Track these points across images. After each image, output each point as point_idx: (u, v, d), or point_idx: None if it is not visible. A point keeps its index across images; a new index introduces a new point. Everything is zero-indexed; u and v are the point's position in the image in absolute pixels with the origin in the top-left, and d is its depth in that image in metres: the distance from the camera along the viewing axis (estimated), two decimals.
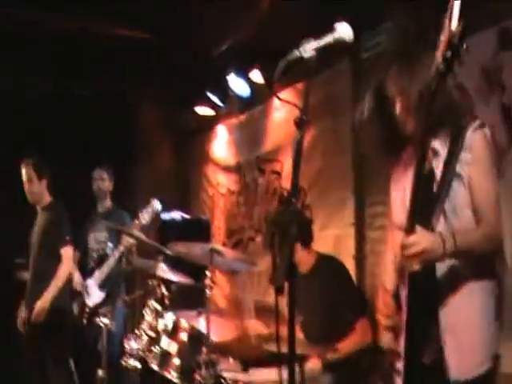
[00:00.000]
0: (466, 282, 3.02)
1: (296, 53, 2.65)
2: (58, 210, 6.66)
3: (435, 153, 3.09)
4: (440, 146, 3.08)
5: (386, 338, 3.14)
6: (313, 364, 4.67)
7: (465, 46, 2.51)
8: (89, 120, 8.91)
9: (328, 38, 2.72)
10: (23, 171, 6.60)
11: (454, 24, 2.50)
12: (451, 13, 2.53)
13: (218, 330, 5.19)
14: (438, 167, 3.04)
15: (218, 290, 8.15)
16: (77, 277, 6.80)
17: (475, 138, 3.01)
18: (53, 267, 6.44)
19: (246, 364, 5.16)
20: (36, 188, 6.64)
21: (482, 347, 3.03)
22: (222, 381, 4.74)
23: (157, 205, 6.26)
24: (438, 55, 2.59)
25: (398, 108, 3.10)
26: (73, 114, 8.79)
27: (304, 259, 5.03)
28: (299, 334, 4.85)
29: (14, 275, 7.83)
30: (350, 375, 4.69)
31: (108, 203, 7.33)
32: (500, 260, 3.14)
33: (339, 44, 2.78)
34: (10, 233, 8.04)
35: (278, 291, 2.36)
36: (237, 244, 8.36)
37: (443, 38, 2.56)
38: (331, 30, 2.75)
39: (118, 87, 9.23)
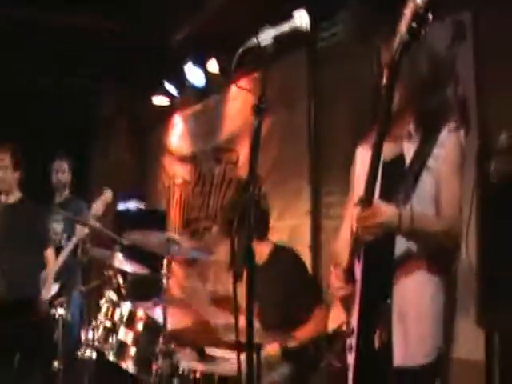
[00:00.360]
0: (420, 271, 3.06)
1: (253, 40, 2.64)
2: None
3: (409, 135, 3.12)
4: (414, 131, 3.10)
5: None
6: (271, 351, 4.68)
7: (430, 16, 2.52)
8: (45, 110, 8.82)
9: (285, 27, 2.72)
10: None
11: None
12: None
13: (175, 320, 5.17)
14: (409, 152, 3.05)
15: (175, 279, 8.13)
16: None
17: (450, 139, 3.06)
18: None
19: (203, 353, 5.16)
20: (9, 177, 6.43)
21: (428, 339, 3.07)
22: (180, 370, 4.72)
23: (109, 194, 6.16)
24: (402, 26, 2.59)
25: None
26: (29, 103, 8.69)
27: (260, 250, 5.02)
28: (256, 323, 4.86)
29: None
30: (308, 362, 4.71)
31: (66, 193, 7.28)
32: (456, 261, 3.18)
33: (296, 32, 2.79)
34: None
35: (237, 278, 2.36)
36: (193, 234, 8.35)
37: (407, 10, 2.56)
38: (289, 18, 2.76)
39: (73, 77, 9.14)
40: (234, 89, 7.49)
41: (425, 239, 3.01)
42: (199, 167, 8.39)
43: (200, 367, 4.77)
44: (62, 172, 7.22)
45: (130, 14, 7.44)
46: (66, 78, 8.99)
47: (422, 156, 2.92)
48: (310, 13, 2.82)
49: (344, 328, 3.15)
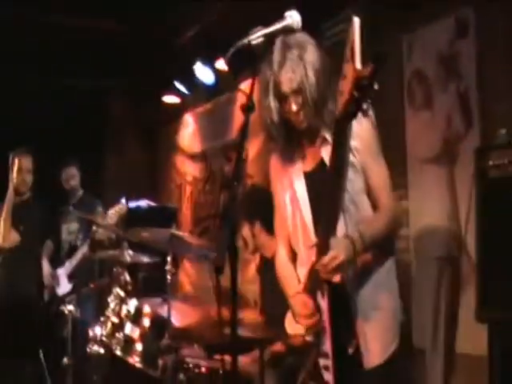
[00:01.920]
0: (369, 266, 3.13)
1: (244, 40, 2.69)
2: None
3: (324, 140, 3.13)
4: (327, 133, 3.09)
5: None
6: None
7: (376, 85, 2.26)
8: (57, 110, 8.90)
9: (276, 26, 2.77)
10: (20, 160, 6.62)
11: (358, 60, 2.25)
12: (353, 47, 2.28)
13: (183, 316, 5.23)
14: (328, 154, 3.00)
15: (186, 277, 8.19)
16: (46, 269, 6.88)
17: (362, 127, 3.03)
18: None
19: (211, 350, 5.20)
20: (30, 180, 6.73)
21: (391, 328, 3.18)
22: (185, 366, 4.77)
23: (123, 207, 6.23)
24: (340, 101, 2.41)
25: (291, 104, 3.08)
26: (41, 104, 8.77)
27: (268, 244, 5.04)
28: (260, 318, 4.90)
29: None
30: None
31: (79, 193, 7.37)
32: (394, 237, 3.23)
33: (287, 31, 2.84)
34: None
35: (217, 271, 2.40)
36: (204, 232, 8.39)
37: (346, 79, 2.32)
38: (280, 18, 2.81)
39: (84, 78, 9.21)
40: (243, 87, 7.52)
41: (375, 244, 3.05)
42: (210, 165, 8.43)
43: (206, 363, 4.82)
44: (72, 179, 7.33)
45: (141, 14, 7.48)
46: (77, 78, 9.05)
47: (340, 153, 2.77)
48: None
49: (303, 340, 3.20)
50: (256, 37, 2.70)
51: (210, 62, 7.70)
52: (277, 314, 4.87)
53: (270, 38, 2.77)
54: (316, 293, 3.06)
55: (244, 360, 4.72)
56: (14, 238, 6.44)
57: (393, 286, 3.26)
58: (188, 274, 8.25)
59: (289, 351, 4.57)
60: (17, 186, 6.60)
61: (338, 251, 2.84)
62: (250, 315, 5.61)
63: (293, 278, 3.37)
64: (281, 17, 2.84)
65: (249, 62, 2.79)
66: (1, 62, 7.89)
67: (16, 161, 6.62)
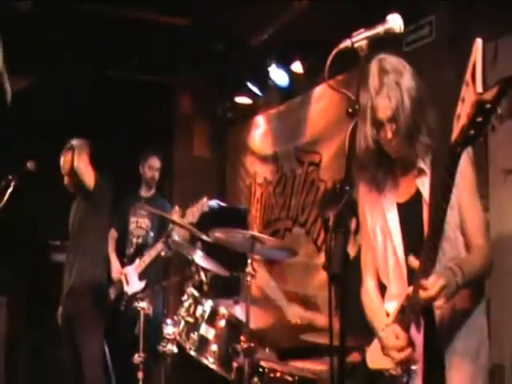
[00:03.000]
0: (464, 308, 3.07)
1: (347, 41, 2.65)
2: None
3: (421, 171, 3.08)
4: (425, 164, 3.05)
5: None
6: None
7: (499, 110, 2.16)
8: (129, 106, 8.97)
9: (379, 29, 2.73)
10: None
11: (480, 83, 2.15)
12: (474, 69, 2.17)
13: (256, 319, 5.20)
14: (425, 187, 2.98)
15: (255, 279, 8.15)
16: (115, 265, 6.91)
17: (463, 162, 2.81)
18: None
19: (283, 353, 5.18)
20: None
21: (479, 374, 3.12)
22: (260, 369, 4.75)
23: (205, 202, 6.18)
24: (457, 125, 2.30)
25: (387, 132, 3.03)
26: (111, 100, 8.85)
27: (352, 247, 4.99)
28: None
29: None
30: None
31: (153, 190, 7.42)
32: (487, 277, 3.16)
33: (389, 35, 2.79)
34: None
35: (333, 279, 2.36)
36: (273, 234, 8.34)
37: (465, 103, 2.21)
38: (382, 21, 2.76)
39: (157, 75, 9.29)
40: (318, 90, 7.49)
41: (473, 281, 2.97)
42: (281, 167, 8.40)
43: (280, 367, 4.79)
44: (155, 169, 7.39)
45: (217, 13, 7.49)
46: (148, 74, 9.13)
47: (440, 186, 2.66)
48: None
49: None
50: (359, 39, 2.66)
51: (285, 63, 7.68)
52: (353, 322, 4.85)
53: (372, 41, 2.72)
54: (409, 326, 2.99)
55: (319, 367, 4.70)
56: None
57: (484, 329, 3.19)
58: (256, 276, 8.21)
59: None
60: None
61: (439, 277, 2.76)
62: (320, 321, 5.59)
63: (381, 310, 3.30)
64: (381, 19, 2.79)
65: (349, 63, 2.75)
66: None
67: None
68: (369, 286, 3.41)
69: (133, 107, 8.94)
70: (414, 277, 2.91)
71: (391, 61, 3.05)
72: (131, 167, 7.48)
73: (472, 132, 2.17)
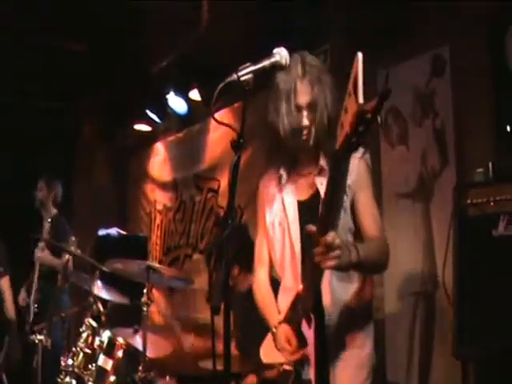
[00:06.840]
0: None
1: (234, 75, 2.70)
2: None
3: (321, 170, 3.15)
4: (326, 164, 3.12)
5: None
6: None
7: (379, 118, 2.16)
8: (28, 133, 8.85)
9: (265, 62, 2.78)
10: None
11: (361, 94, 2.11)
12: (356, 81, 2.14)
13: (155, 347, 5.18)
14: (323, 186, 2.94)
15: (156, 307, 8.13)
16: (22, 293, 7.04)
17: (360, 167, 3.08)
18: None
19: (183, 381, 5.17)
20: None
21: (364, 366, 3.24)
22: None
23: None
24: (341, 134, 2.28)
25: (303, 118, 3.09)
26: (9, 127, 8.71)
27: (242, 279, 5.03)
28: (235, 351, 4.88)
29: None
30: None
31: (54, 211, 7.42)
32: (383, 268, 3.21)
33: (276, 68, 2.85)
34: None
35: (215, 311, 2.38)
36: (173, 261, 8.35)
37: (347, 113, 2.21)
38: (269, 54, 2.82)
39: (55, 101, 9.19)
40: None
41: (367, 263, 2.89)
42: (180, 194, 8.41)
43: None
44: (40, 190, 7.36)
45: (116, 41, 7.48)
46: (47, 100, 9.02)
47: (335, 185, 2.55)
48: (290, 44, 2.89)
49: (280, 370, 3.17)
50: (245, 73, 2.70)
51: (183, 91, 7.71)
52: (250, 347, 4.88)
53: (258, 75, 2.77)
54: (299, 323, 3.02)
55: None
56: None
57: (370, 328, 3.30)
58: (157, 304, 8.19)
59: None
60: None
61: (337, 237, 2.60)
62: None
63: (273, 306, 3.35)
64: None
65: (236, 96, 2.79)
66: None
67: None
68: (261, 278, 3.47)
69: (30, 134, 8.84)
70: (304, 274, 2.96)
71: (314, 59, 3.18)
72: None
73: (354, 140, 2.24)
